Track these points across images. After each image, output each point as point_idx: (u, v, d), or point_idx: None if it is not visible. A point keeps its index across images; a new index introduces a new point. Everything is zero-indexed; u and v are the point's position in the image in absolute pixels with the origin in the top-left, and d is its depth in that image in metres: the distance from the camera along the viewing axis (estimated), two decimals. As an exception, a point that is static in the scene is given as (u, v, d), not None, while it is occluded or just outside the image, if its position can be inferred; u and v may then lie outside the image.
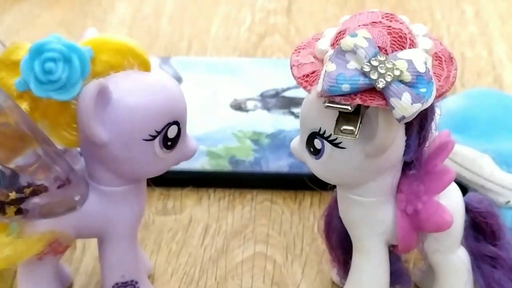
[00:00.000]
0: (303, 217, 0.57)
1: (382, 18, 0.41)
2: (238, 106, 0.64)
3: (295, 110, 0.64)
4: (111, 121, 0.42)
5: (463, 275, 0.47)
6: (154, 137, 0.43)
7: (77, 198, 0.44)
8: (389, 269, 0.47)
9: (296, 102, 0.64)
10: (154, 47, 0.76)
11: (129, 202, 0.46)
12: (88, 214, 0.45)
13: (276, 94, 0.66)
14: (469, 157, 0.54)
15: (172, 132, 0.44)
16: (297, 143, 0.44)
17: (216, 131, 0.62)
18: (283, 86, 0.66)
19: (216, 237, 0.55)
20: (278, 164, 0.59)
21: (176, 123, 0.44)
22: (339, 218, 0.47)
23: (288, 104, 0.65)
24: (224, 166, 0.59)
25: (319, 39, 0.42)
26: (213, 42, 0.76)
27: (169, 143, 0.44)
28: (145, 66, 0.44)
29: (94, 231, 0.46)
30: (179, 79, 0.67)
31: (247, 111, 0.64)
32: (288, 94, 0.66)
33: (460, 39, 0.76)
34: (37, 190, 0.42)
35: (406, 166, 0.44)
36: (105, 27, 0.78)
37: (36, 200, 0.42)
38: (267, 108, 0.64)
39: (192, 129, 0.62)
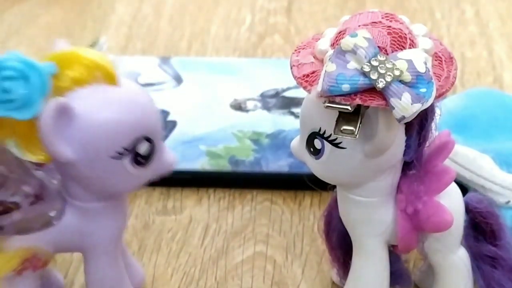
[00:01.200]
0: (303, 217, 0.57)
1: (382, 18, 0.41)
2: (238, 106, 0.64)
3: (295, 110, 0.64)
4: (75, 139, 0.41)
5: (463, 275, 0.47)
6: (122, 154, 0.42)
7: (52, 213, 0.43)
8: (389, 268, 0.47)
9: (296, 102, 0.64)
10: (154, 47, 0.76)
11: (107, 219, 0.45)
12: (65, 230, 0.44)
13: (276, 94, 0.66)
14: (469, 157, 0.54)
15: (142, 148, 0.42)
16: (297, 143, 0.44)
17: (216, 131, 0.62)
18: (283, 86, 0.66)
19: (216, 237, 0.55)
20: (278, 164, 0.59)
21: (147, 138, 0.42)
22: (339, 218, 0.46)
23: (288, 104, 0.65)
24: (224, 166, 0.59)
25: (319, 39, 0.42)
26: (213, 42, 0.76)
27: (141, 160, 0.42)
28: (111, 79, 0.42)
29: (73, 247, 0.45)
30: (179, 79, 0.67)
31: (247, 111, 0.64)
32: (288, 94, 0.66)
33: (460, 39, 0.76)
34: (9, 208, 0.41)
35: (406, 166, 0.44)
36: (105, 27, 0.78)
37: (10, 217, 0.41)
38: (267, 108, 0.64)
39: (192, 129, 0.62)
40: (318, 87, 0.39)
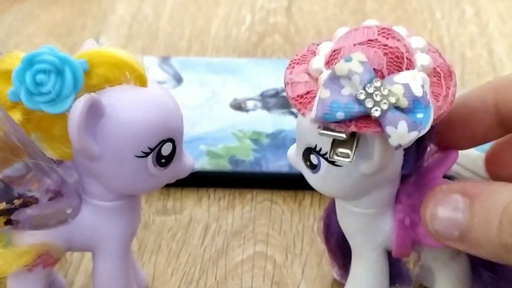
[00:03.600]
0: (303, 217, 0.57)
1: (379, 34, 0.40)
2: (238, 106, 0.64)
3: (295, 110, 0.63)
4: (103, 136, 0.41)
5: (462, 281, 0.47)
6: (147, 154, 0.42)
7: (69, 211, 0.43)
8: (389, 275, 0.46)
9: (296, 102, 0.64)
10: (154, 47, 0.76)
11: (121, 218, 0.45)
12: (79, 228, 0.44)
13: (276, 94, 0.66)
14: (469, 157, 0.54)
15: (166, 149, 0.43)
16: (294, 153, 0.44)
17: (216, 131, 0.62)
18: (283, 86, 0.66)
19: (216, 237, 0.55)
20: (278, 164, 0.59)
21: (170, 140, 0.43)
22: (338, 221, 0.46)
23: (288, 104, 0.64)
24: (224, 166, 0.59)
25: (314, 51, 0.41)
26: (213, 42, 0.77)
27: (163, 161, 0.43)
28: (141, 81, 0.42)
29: (86, 245, 0.45)
30: (179, 79, 0.67)
31: (247, 111, 0.64)
32: (288, 94, 0.65)
33: (460, 39, 0.76)
34: (28, 202, 0.41)
35: (406, 176, 0.43)
36: (105, 27, 0.78)
37: (26, 211, 0.41)
38: (267, 108, 0.64)
39: (192, 129, 0.62)
40: (312, 114, 0.38)
